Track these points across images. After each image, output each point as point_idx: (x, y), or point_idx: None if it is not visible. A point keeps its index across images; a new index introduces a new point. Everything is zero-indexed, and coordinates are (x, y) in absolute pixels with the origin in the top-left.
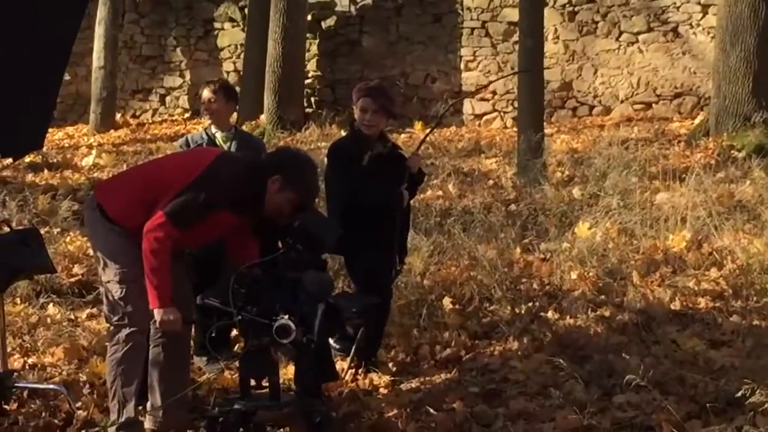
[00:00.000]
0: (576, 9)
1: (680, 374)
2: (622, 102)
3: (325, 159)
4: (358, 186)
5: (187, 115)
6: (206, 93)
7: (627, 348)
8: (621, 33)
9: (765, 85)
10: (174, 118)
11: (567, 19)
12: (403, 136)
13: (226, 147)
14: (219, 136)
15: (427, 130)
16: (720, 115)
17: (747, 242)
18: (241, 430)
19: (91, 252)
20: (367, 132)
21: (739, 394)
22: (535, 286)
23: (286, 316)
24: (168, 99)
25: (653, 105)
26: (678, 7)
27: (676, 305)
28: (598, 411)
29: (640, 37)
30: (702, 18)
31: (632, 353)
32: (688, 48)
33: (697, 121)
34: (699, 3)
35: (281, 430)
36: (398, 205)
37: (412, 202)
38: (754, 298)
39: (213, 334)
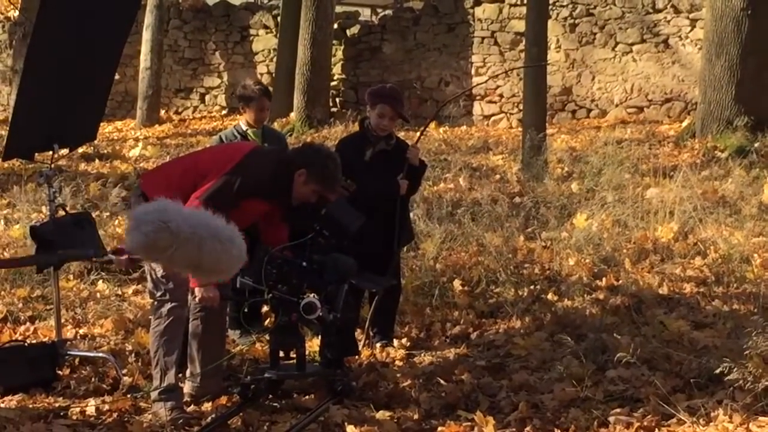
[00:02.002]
0: (576, 21)
1: (667, 352)
2: (616, 106)
3: None
4: (359, 177)
5: (224, 112)
6: (263, 100)
7: (619, 328)
8: (617, 44)
9: (747, 93)
10: (212, 114)
11: (568, 31)
12: (415, 134)
13: (256, 140)
14: (250, 132)
15: (422, 128)
16: (705, 119)
17: (728, 234)
18: (271, 396)
19: None
20: (381, 134)
21: (720, 371)
22: (536, 270)
23: (313, 295)
24: (207, 97)
25: (645, 109)
26: (669, 21)
27: (663, 290)
28: (592, 384)
29: (634, 48)
30: (690, 31)
31: (624, 333)
32: (678, 58)
33: (684, 124)
34: (688, 17)
35: (306, 396)
36: (395, 193)
37: (421, 191)
38: (735, 285)
39: (246, 310)
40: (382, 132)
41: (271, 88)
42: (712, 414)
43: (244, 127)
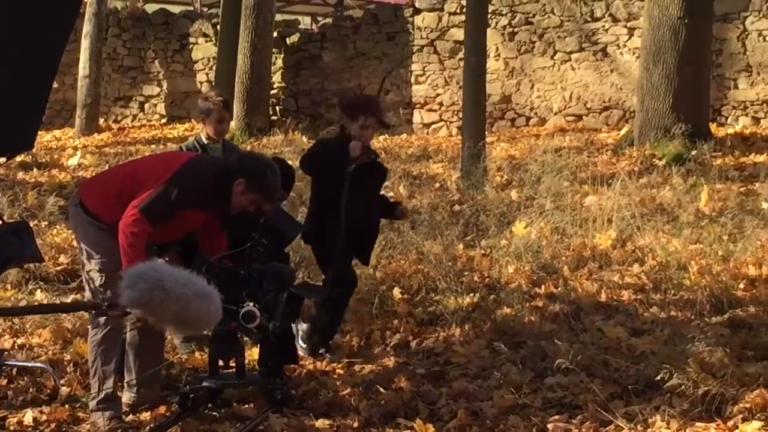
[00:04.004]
0: (515, 30)
1: (605, 359)
2: (555, 114)
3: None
4: (335, 185)
5: (163, 120)
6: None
7: (558, 335)
8: (555, 52)
9: (684, 101)
10: (152, 123)
11: (507, 39)
12: None
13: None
14: (210, 145)
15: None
16: (643, 127)
17: (666, 241)
18: (210, 405)
19: (74, 243)
20: (366, 144)
21: (658, 377)
22: (476, 278)
23: (252, 304)
24: (146, 106)
25: (584, 117)
26: (607, 30)
27: (602, 297)
28: (531, 391)
29: (573, 56)
30: (628, 40)
31: (562, 340)
32: (616, 66)
33: (622, 132)
34: (626, 26)
35: (246, 405)
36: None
37: None
38: (672, 292)
39: None
40: (367, 142)
41: None
42: (650, 420)
43: (205, 140)
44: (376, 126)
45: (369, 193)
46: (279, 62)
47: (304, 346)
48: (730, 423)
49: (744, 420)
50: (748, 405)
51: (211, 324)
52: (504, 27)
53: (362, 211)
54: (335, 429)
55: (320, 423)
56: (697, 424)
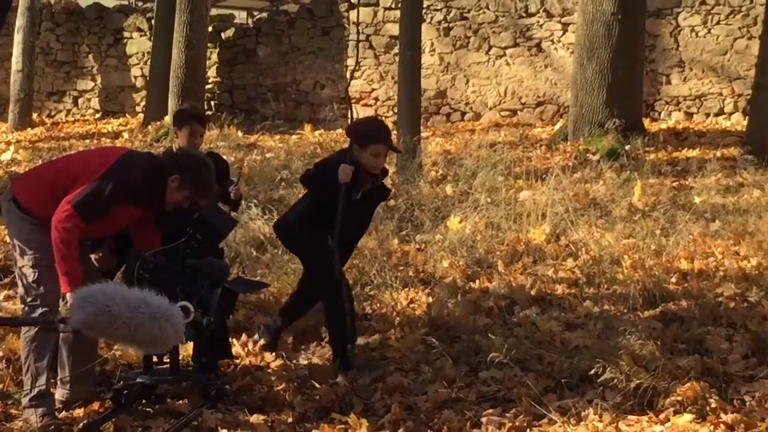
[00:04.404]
0: (450, 25)
1: (539, 353)
2: (490, 109)
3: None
4: (336, 206)
5: (98, 115)
6: (197, 126)
7: (492, 329)
8: (490, 47)
9: (617, 96)
10: (86, 118)
11: (442, 34)
12: (294, 137)
13: None
14: None
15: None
16: (577, 122)
17: (599, 236)
18: (144, 401)
19: (7, 239)
20: (373, 173)
21: (591, 371)
22: (411, 273)
23: (186, 299)
24: (80, 101)
25: (518, 112)
26: (541, 25)
27: (535, 291)
28: (465, 385)
29: (508, 52)
30: (563, 35)
31: (497, 334)
32: (550, 62)
33: (557, 127)
34: (560, 22)
35: (180, 401)
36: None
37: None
38: (605, 286)
39: None
40: (375, 171)
41: (144, 92)
42: (583, 413)
43: None
44: (387, 153)
45: (366, 213)
46: (214, 57)
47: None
48: (662, 416)
49: (676, 413)
50: (679, 398)
51: (168, 346)
52: (439, 22)
53: (355, 228)
54: (270, 424)
55: (255, 418)
56: (630, 417)
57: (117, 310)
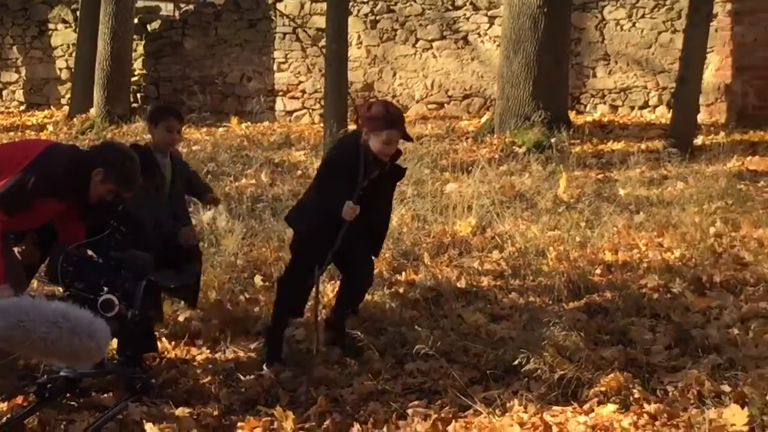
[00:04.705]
0: (377, 18)
1: (464, 344)
2: (417, 102)
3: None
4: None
5: (22, 107)
6: (173, 121)
7: (418, 321)
8: (417, 40)
9: (543, 89)
10: (10, 110)
11: (369, 27)
12: (220, 129)
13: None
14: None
15: None
16: (503, 114)
17: (525, 228)
18: (68, 394)
19: None
20: (383, 160)
21: (516, 362)
22: None
23: (111, 292)
24: (5, 93)
25: (445, 105)
26: (468, 18)
27: (462, 283)
28: (391, 377)
29: (434, 44)
30: (489, 28)
31: (423, 326)
32: (477, 54)
33: (483, 119)
34: (486, 15)
35: (105, 394)
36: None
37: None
38: (530, 278)
39: None
40: (386, 158)
41: (69, 84)
42: (508, 404)
43: (155, 154)
44: (398, 140)
45: (383, 196)
46: (140, 49)
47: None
48: (586, 406)
49: (599, 403)
50: (603, 388)
51: (90, 359)
52: (366, 15)
53: (373, 215)
54: (195, 417)
55: (180, 411)
56: (554, 407)
57: (32, 325)
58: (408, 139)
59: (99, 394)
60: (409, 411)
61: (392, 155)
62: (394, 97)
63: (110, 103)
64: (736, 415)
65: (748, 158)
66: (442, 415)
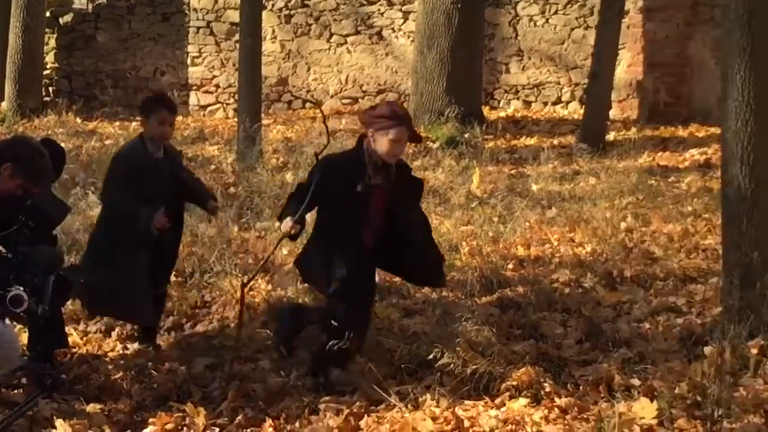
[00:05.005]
0: (291, 12)
1: (378, 340)
2: (332, 97)
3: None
4: (339, 211)
5: None
6: (166, 113)
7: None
8: (332, 35)
9: (457, 84)
10: None
11: (283, 21)
12: (134, 124)
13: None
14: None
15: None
16: (418, 110)
17: (438, 223)
18: None
19: None
20: (390, 162)
21: (430, 357)
22: (250, 260)
23: (20, 288)
24: None
25: (360, 100)
26: (382, 13)
27: (375, 279)
28: (304, 373)
29: (349, 39)
30: (403, 23)
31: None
32: (391, 50)
33: None
34: (401, 10)
35: (15, 390)
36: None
37: None
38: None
39: None
40: (392, 159)
41: None
42: (421, 399)
43: (149, 146)
44: (406, 140)
45: (402, 217)
46: (52, 42)
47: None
48: (498, 400)
49: (511, 397)
50: (515, 382)
51: (2, 368)
52: (280, 9)
53: (406, 232)
54: (107, 413)
55: (91, 407)
56: (466, 402)
57: None
58: (417, 139)
59: (9, 390)
60: (322, 406)
61: (397, 164)
62: (308, 92)
63: (22, 96)
64: (645, 408)
65: (659, 154)
66: (355, 409)
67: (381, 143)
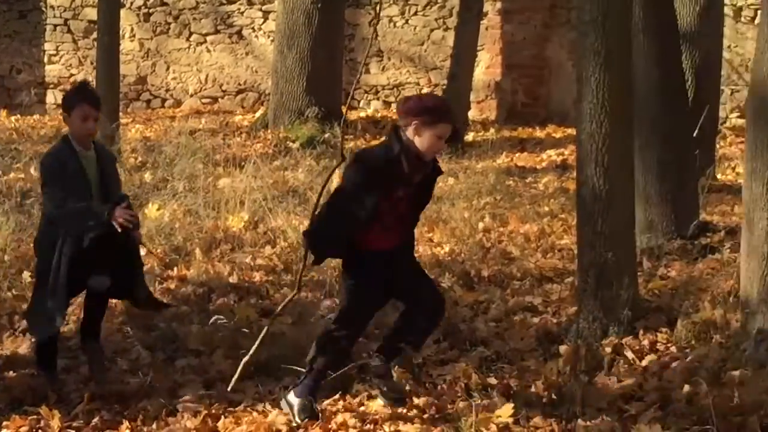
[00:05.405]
0: (150, 11)
1: (236, 340)
2: (191, 96)
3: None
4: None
5: None
6: (89, 108)
7: (190, 317)
8: (191, 34)
9: (317, 84)
10: None
11: (142, 20)
12: None
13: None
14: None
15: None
16: (277, 109)
17: (298, 223)
18: None
19: None
20: (427, 158)
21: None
22: None
23: None
24: None
25: (219, 99)
26: (242, 13)
27: (234, 279)
28: (161, 374)
29: (209, 38)
30: (263, 23)
31: (195, 322)
32: (251, 49)
33: (257, 114)
34: (261, 9)
35: None
36: None
37: None
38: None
39: None
40: (432, 156)
41: None
42: (279, 399)
43: (75, 146)
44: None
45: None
46: None
47: None
48: (357, 400)
49: (370, 397)
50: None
51: None
52: (139, 8)
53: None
54: None
55: None
56: (325, 401)
57: None
58: (456, 137)
59: None
60: (179, 407)
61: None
62: (167, 91)
63: None
64: (501, 407)
65: (517, 155)
66: (213, 410)
67: (425, 139)
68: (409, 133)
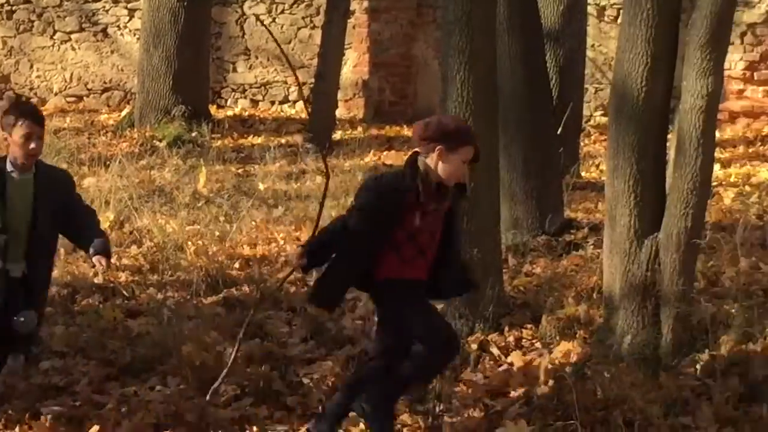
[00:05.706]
0: (13, 8)
1: (101, 341)
2: (56, 95)
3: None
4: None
5: None
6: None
7: (54, 318)
8: (55, 32)
9: (183, 83)
10: None
11: (5, 17)
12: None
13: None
14: (14, 175)
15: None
16: (144, 108)
17: (164, 222)
18: None
19: None
20: (450, 183)
21: (154, 358)
22: None
23: None
24: None
25: (85, 98)
26: (107, 11)
27: (99, 279)
28: (24, 377)
29: (73, 36)
30: (129, 21)
31: (59, 323)
32: (117, 47)
33: (123, 113)
34: (126, 7)
35: None
36: None
37: None
38: (169, 272)
39: None
40: (454, 181)
41: None
42: (144, 400)
43: (9, 168)
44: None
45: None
46: None
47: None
48: (224, 399)
49: (237, 398)
50: (245, 381)
51: None
52: (2, 5)
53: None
54: None
55: None
56: (194, 401)
57: None
58: (477, 158)
59: None
60: (43, 410)
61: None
62: (31, 89)
63: None
64: None
65: (384, 153)
66: (75, 413)
67: (448, 165)
68: (431, 160)
